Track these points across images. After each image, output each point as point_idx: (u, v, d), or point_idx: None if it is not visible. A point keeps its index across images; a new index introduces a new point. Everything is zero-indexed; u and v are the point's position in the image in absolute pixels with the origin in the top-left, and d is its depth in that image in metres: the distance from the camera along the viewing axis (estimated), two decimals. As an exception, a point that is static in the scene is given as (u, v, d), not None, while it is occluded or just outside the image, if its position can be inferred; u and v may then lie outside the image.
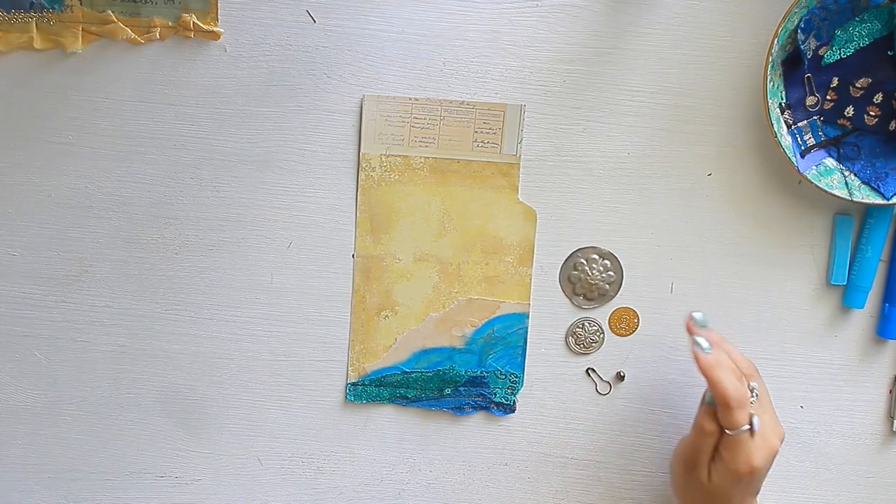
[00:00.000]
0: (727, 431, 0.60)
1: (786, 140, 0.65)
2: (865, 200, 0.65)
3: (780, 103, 0.65)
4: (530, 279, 0.69)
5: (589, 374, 0.70)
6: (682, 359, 0.70)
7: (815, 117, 0.67)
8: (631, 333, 0.70)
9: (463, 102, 0.67)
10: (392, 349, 0.69)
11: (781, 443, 0.63)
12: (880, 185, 0.66)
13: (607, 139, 0.68)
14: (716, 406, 0.61)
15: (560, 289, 0.69)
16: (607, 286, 0.69)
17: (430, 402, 0.70)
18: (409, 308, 0.69)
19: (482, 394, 0.70)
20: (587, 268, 0.69)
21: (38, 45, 0.65)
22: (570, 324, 0.70)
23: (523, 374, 0.70)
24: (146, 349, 0.69)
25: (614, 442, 0.71)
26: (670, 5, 0.66)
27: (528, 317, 0.69)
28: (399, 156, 0.67)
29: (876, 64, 0.65)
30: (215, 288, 0.69)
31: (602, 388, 0.71)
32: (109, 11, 0.64)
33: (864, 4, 0.64)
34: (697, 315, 0.63)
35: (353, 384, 0.70)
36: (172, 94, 0.66)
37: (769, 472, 0.70)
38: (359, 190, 0.68)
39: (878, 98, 0.66)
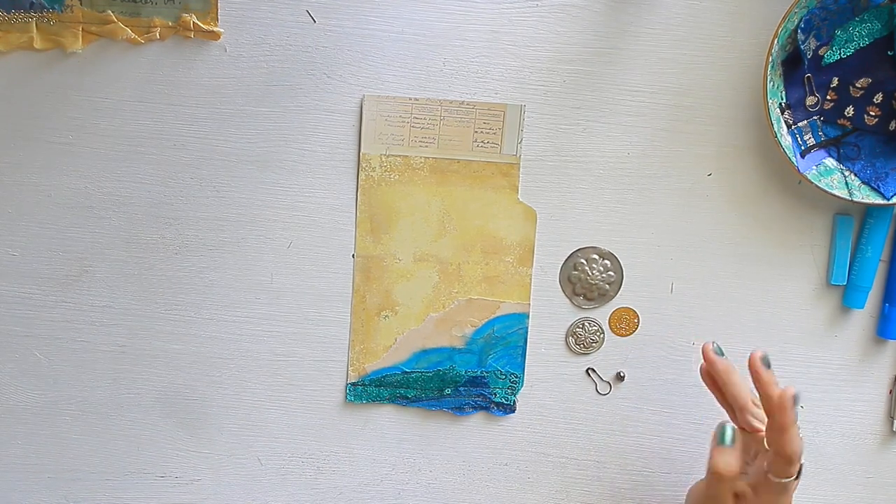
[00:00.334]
0: (773, 479, 0.58)
1: (786, 140, 0.65)
2: (865, 200, 0.65)
3: (780, 103, 0.65)
4: (530, 279, 0.69)
5: (589, 374, 0.70)
6: (682, 359, 0.70)
7: (815, 117, 0.67)
8: (631, 333, 0.70)
9: (463, 102, 0.67)
10: (392, 349, 0.69)
11: None
12: (880, 185, 0.66)
13: (607, 139, 0.68)
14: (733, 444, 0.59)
15: (560, 289, 0.69)
16: (607, 286, 0.69)
17: (430, 402, 0.70)
18: (409, 308, 0.69)
19: (482, 394, 0.70)
20: (587, 268, 0.69)
21: (38, 45, 0.65)
22: (570, 324, 0.70)
23: (523, 374, 0.70)
24: (146, 349, 0.69)
25: (614, 442, 0.71)
26: (670, 5, 0.66)
27: (528, 317, 0.69)
28: (399, 156, 0.67)
29: (876, 64, 0.65)
30: (215, 288, 0.69)
31: (602, 388, 0.71)
32: (109, 11, 0.64)
33: (864, 4, 0.64)
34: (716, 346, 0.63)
35: (353, 384, 0.70)
36: (172, 94, 0.66)
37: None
38: (359, 190, 0.68)
39: (878, 98, 0.66)
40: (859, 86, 0.66)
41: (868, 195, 0.65)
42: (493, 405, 0.70)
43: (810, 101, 0.66)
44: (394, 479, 0.71)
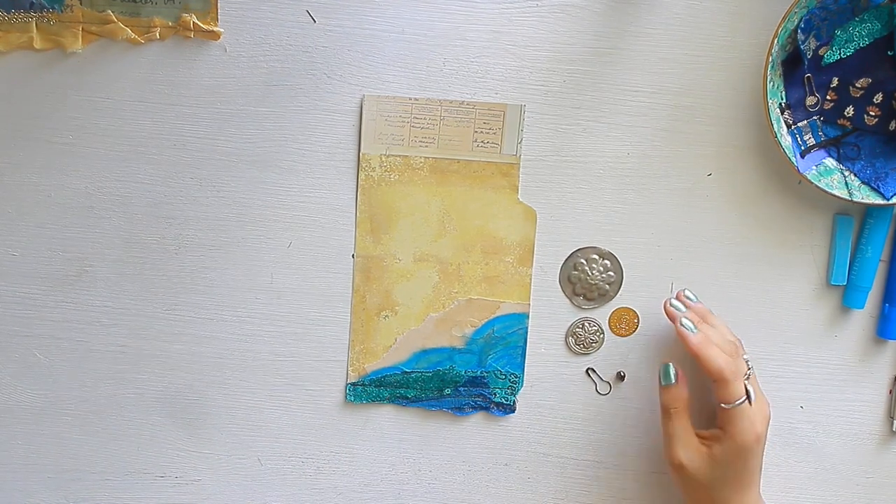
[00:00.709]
0: (724, 405, 0.62)
1: (786, 140, 0.65)
2: (865, 200, 0.65)
3: (780, 103, 0.65)
4: (530, 279, 0.69)
5: (589, 374, 0.70)
6: (682, 359, 0.70)
7: (815, 117, 0.67)
8: (631, 333, 0.70)
9: (463, 102, 0.67)
10: (392, 349, 0.69)
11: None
12: (880, 185, 0.66)
13: (607, 139, 0.68)
14: (678, 384, 0.65)
15: (560, 289, 0.69)
16: (607, 286, 0.69)
17: (430, 402, 0.70)
18: (409, 308, 0.69)
19: (482, 394, 0.70)
20: (587, 268, 0.69)
21: (38, 45, 0.65)
22: (570, 324, 0.70)
23: (523, 374, 0.70)
24: (146, 349, 0.69)
25: (614, 442, 0.71)
26: (670, 5, 0.66)
27: (528, 317, 0.69)
28: (399, 156, 0.67)
29: (876, 64, 0.65)
30: (215, 288, 0.69)
31: (602, 388, 0.71)
32: (109, 11, 0.64)
33: (864, 4, 0.64)
34: (688, 293, 0.66)
35: (353, 384, 0.70)
36: (172, 94, 0.66)
37: (768, 472, 0.70)
38: (359, 190, 0.68)
39: (878, 98, 0.66)
40: (859, 86, 0.66)
41: (868, 195, 0.65)
42: (493, 405, 0.70)
43: (810, 101, 0.66)
44: (394, 479, 0.71)
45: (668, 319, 0.65)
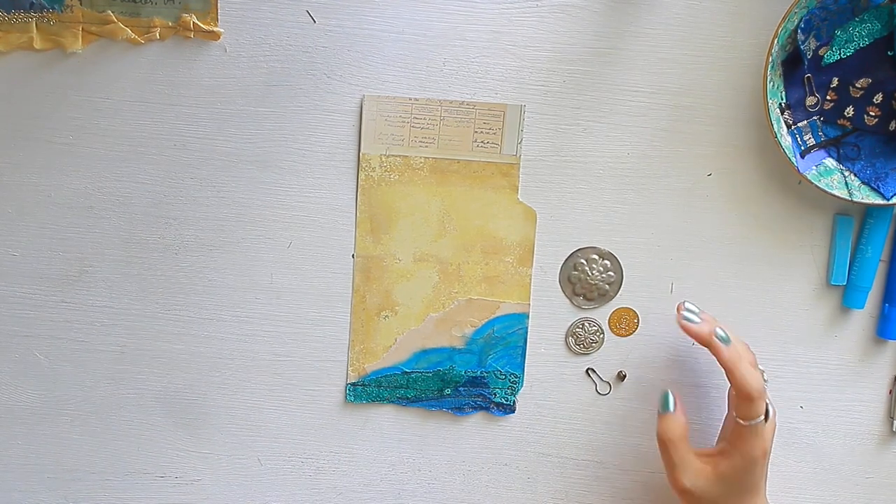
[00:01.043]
0: (741, 422, 0.61)
1: (786, 140, 0.65)
2: (865, 200, 0.65)
3: (780, 103, 0.65)
4: (530, 279, 0.69)
5: (589, 374, 0.70)
6: (682, 359, 0.70)
7: (815, 117, 0.67)
8: (631, 333, 0.70)
9: (463, 102, 0.67)
10: (392, 349, 0.69)
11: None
12: (880, 185, 0.66)
13: (607, 139, 0.68)
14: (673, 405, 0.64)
15: (560, 289, 0.69)
16: (607, 286, 0.69)
17: (430, 402, 0.70)
18: (409, 308, 0.69)
19: (482, 394, 0.70)
20: (587, 268, 0.69)
21: (38, 45, 0.65)
22: (570, 324, 0.70)
23: (523, 374, 0.70)
24: (146, 349, 0.69)
25: (614, 442, 0.71)
26: (670, 5, 0.66)
27: (528, 317, 0.69)
28: (399, 156, 0.67)
29: (876, 64, 0.65)
30: (215, 288, 0.69)
31: (602, 388, 0.71)
32: (109, 11, 0.64)
33: (864, 4, 0.64)
34: (689, 304, 0.65)
35: (353, 384, 0.70)
36: (172, 94, 0.66)
37: (768, 472, 0.71)
38: (359, 190, 0.68)
39: (878, 98, 0.66)
40: (859, 86, 0.66)
41: (868, 195, 0.65)
42: (492, 405, 0.70)
43: (810, 101, 0.66)
44: (394, 479, 0.71)
45: (688, 333, 0.62)
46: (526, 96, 0.67)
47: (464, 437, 0.71)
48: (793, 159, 0.65)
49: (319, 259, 0.69)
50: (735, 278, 0.69)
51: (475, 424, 0.71)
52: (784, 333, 0.70)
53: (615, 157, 0.68)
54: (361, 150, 0.67)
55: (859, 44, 0.65)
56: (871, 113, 0.66)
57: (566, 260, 0.69)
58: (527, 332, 0.69)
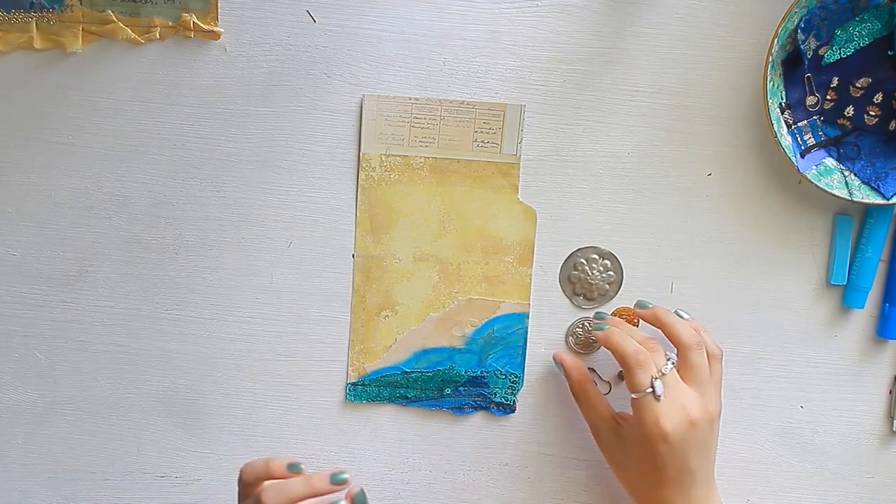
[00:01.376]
0: (632, 395, 0.62)
1: (786, 140, 0.65)
2: (865, 200, 0.65)
3: (780, 103, 0.65)
4: (530, 279, 0.69)
5: (589, 374, 0.70)
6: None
7: (815, 117, 0.67)
8: (631, 333, 0.70)
9: (463, 102, 0.67)
10: (392, 349, 0.69)
11: (712, 421, 0.62)
12: (880, 184, 0.66)
13: (607, 139, 0.68)
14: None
15: (560, 289, 0.69)
16: (607, 286, 0.69)
17: (430, 402, 0.70)
18: (409, 308, 0.69)
19: (482, 394, 0.70)
20: (587, 268, 0.69)
21: (38, 45, 0.65)
22: (570, 324, 0.70)
23: (523, 374, 0.70)
24: (146, 349, 0.69)
25: (614, 442, 0.71)
26: (670, 5, 0.66)
27: (528, 317, 0.69)
28: (399, 156, 0.67)
29: (876, 64, 0.65)
30: (215, 288, 0.69)
31: (602, 387, 0.71)
32: (109, 11, 0.64)
33: (864, 4, 0.64)
34: (681, 312, 0.66)
35: (353, 384, 0.70)
36: (172, 94, 0.66)
37: (768, 472, 0.70)
38: (359, 190, 0.68)
39: (878, 98, 0.66)
40: (859, 85, 0.66)
41: (868, 195, 0.65)
42: (493, 405, 0.70)
43: (810, 100, 0.66)
44: (394, 479, 0.71)
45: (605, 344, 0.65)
46: (526, 96, 0.67)
47: (464, 436, 0.71)
48: (793, 159, 0.65)
49: (319, 259, 0.69)
50: (735, 278, 0.69)
51: (475, 424, 0.71)
52: (784, 333, 0.70)
53: (615, 157, 0.68)
54: (361, 150, 0.67)
55: (859, 43, 0.65)
56: (871, 112, 0.66)
57: (566, 260, 0.69)
58: (527, 332, 0.69)
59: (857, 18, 0.65)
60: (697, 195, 0.68)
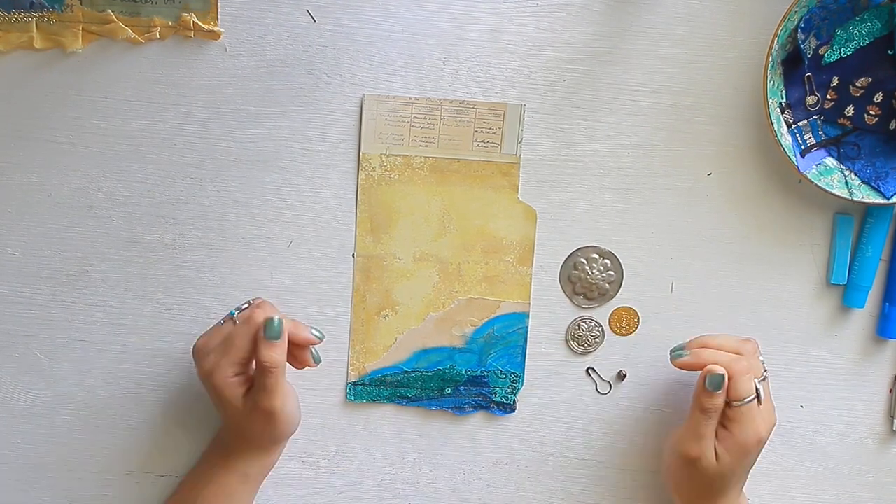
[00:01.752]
0: (734, 403, 0.61)
1: (786, 139, 0.65)
2: (865, 200, 0.65)
3: (781, 103, 0.66)
4: (530, 279, 0.69)
5: (589, 374, 0.70)
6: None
7: (815, 117, 0.67)
8: (631, 333, 0.70)
9: (463, 102, 0.67)
10: (392, 349, 0.69)
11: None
12: (880, 184, 0.66)
13: (607, 139, 0.68)
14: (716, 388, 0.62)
15: (560, 288, 0.69)
16: (607, 286, 0.69)
17: (430, 402, 0.70)
18: (409, 308, 0.69)
19: (482, 393, 0.70)
20: (587, 267, 0.69)
21: (38, 45, 0.65)
22: (569, 323, 0.70)
23: (523, 373, 0.70)
24: (146, 349, 0.69)
25: (614, 442, 0.71)
26: (670, 5, 0.66)
27: (528, 316, 0.69)
28: (399, 155, 0.67)
29: (876, 63, 0.65)
30: (215, 288, 0.69)
31: (602, 387, 0.71)
32: (109, 11, 0.64)
33: (865, 4, 0.64)
34: (676, 350, 0.66)
35: (353, 384, 0.70)
36: (172, 93, 0.66)
37: (768, 472, 0.70)
38: (359, 190, 0.68)
39: (879, 97, 0.66)
40: (859, 85, 0.66)
41: (868, 194, 0.65)
42: (493, 405, 0.70)
43: (810, 100, 0.66)
44: (394, 479, 0.71)
45: (684, 368, 0.65)
46: (526, 96, 0.67)
47: (464, 436, 0.71)
48: (793, 158, 0.65)
49: (319, 259, 0.69)
50: (735, 278, 0.69)
51: (475, 424, 0.71)
52: (784, 333, 0.70)
53: (615, 156, 0.68)
54: (361, 150, 0.67)
55: (859, 43, 0.65)
56: (871, 112, 0.66)
57: (566, 259, 0.69)
58: (527, 332, 0.69)
59: (857, 18, 0.65)
60: (697, 195, 0.68)
